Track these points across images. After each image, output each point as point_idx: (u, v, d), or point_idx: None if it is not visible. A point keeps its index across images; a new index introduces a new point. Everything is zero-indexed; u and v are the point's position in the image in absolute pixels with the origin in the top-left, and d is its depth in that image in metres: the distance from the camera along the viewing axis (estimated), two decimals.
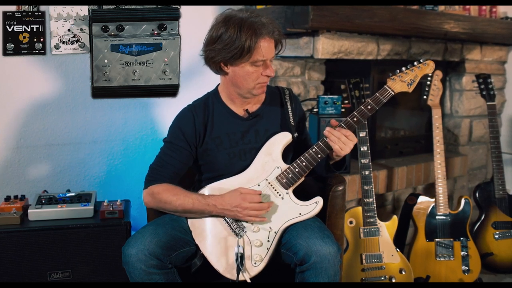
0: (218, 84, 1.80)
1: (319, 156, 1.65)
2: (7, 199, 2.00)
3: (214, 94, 1.78)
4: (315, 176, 1.83)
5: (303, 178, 1.67)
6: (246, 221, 1.63)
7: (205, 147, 1.71)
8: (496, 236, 2.65)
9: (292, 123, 1.76)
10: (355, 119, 1.66)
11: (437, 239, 2.45)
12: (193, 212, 1.63)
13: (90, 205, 1.98)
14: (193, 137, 1.70)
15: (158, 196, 1.65)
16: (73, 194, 2.08)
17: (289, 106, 1.78)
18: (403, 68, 1.73)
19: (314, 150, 1.65)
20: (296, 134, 1.75)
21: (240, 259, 1.57)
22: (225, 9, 1.67)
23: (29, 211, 1.93)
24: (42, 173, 2.27)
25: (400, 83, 1.71)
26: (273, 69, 1.67)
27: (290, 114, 1.77)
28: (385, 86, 1.71)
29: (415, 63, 1.74)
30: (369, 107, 1.67)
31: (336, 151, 1.62)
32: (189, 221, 1.68)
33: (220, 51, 1.59)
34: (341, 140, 1.60)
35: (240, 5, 2.45)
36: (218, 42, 1.59)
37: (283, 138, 1.71)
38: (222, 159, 1.70)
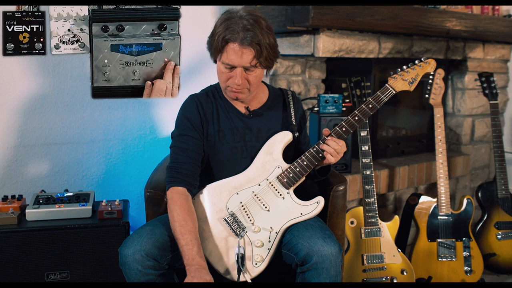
0: None
1: (320, 155, 1.64)
2: (5, 198, 1.99)
3: (216, 88, 1.78)
4: (315, 181, 1.82)
5: (304, 178, 1.66)
6: (250, 218, 1.60)
7: (209, 138, 1.70)
8: (499, 237, 2.64)
9: (294, 123, 1.76)
10: (356, 118, 1.66)
11: (439, 240, 2.44)
12: (178, 245, 1.51)
13: (88, 205, 1.97)
14: (199, 123, 1.69)
15: (172, 205, 1.57)
16: (71, 194, 2.06)
17: (291, 107, 1.78)
18: (404, 67, 1.73)
19: (315, 149, 1.64)
20: (297, 134, 1.74)
21: (241, 259, 1.56)
22: (225, 9, 1.67)
23: (26, 211, 1.92)
24: (40, 172, 2.26)
25: (401, 82, 1.70)
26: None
27: (292, 114, 1.77)
28: (386, 84, 1.71)
29: (416, 61, 1.73)
30: (370, 106, 1.66)
31: (329, 159, 1.64)
32: None
33: (209, 43, 1.63)
34: (335, 149, 1.62)
35: (240, 5, 2.44)
36: (211, 34, 1.63)
37: (284, 138, 1.70)
38: (224, 154, 1.69)
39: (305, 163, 1.64)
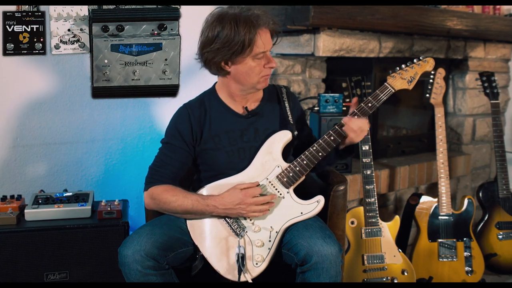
0: (215, 83, 1.78)
1: (320, 154, 1.63)
2: (3, 199, 1.98)
3: (211, 93, 1.77)
4: (319, 172, 1.81)
5: (304, 177, 1.66)
6: (250, 218, 1.60)
7: (203, 145, 1.70)
8: (500, 237, 2.63)
9: (291, 121, 1.75)
10: (355, 116, 1.65)
11: (440, 240, 2.44)
12: (192, 213, 1.61)
13: (88, 205, 1.97)
14: (190, 135, 1.69)
15: (158, 197, 1.63)
16: (70, 194, 2.05)
17: (286, 105, 1.77)
18: (403, 66, 1.73)
19: (315, 148, 1.64)
20: (296, 133, 1.73)
21: (241, 259, 1.55)
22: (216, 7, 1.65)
23: (25, 211, 1.91)
24: (39, 172, 2.25)
25: (400, 81, 1.70)
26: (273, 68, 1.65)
27: (289, 113, 1.76)
28: (385, 83, 1.70)
29: (415, 60, 1.74)
30: (369, 104, 1.66)
31: (352, 139, 1.64)
32: (188, 222, 1.66)
33: (220, 50, 1.57)
34: (357, 128, 1.62)
35: (236, 5, 2.44)
36: (216, 42, 1.57)
37: (283, 137, 1.69)
38: (221, 158, 1.69)
39: (305, 162, 1.63)
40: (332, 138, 1.64)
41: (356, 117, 1.65)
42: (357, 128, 1.63)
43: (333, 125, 1.67)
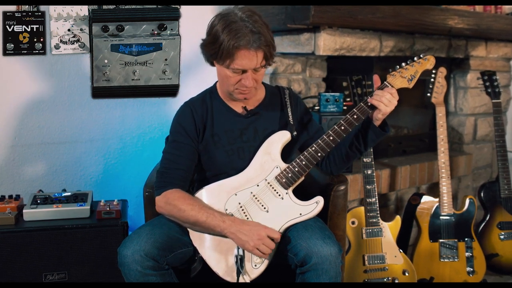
0: (216, 82, 1.77)
1: (319, 154, 1.62)
2: (2, 198, 1.98)
3: (211, 91, 1.76)
4: (327, 170, 1.80)
5: (303, 178, 1.64)
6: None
7: (204, 144, 1.69)
8: (502, 237, 2.62)
9: (292, 122, 1.73)
10: (355, 116, 1.64)
11: (441, 240, 2.43)
12: (202, 226, 1.58)
13: (87, 205, 1.96)
14: (194, 131, 1.68)
15: (173, 202, 1.60)
16: (69, 193, 2.05)
17: (288, 106, 1.76)
18: (403, 64, 1.70)
19: (314, 148, 1.63)
20: (295, 133, 1.72)
21: (240, 261, 1.55)
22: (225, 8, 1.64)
23: (24, 211, 1.91)
24: (38, 172, 2.25)
25: (400, 79, 1.68)
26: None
27: (290, 114, 1.74)
28: (385, 82, 1.68)
29: (415, 58, 1.71)
30: (369, 103, 1.64)
31: (383, 109, 1.60)
32: None
33: (207, 46, 1.59)
34: (386, 98, 1.59)
35: (235, 5, 2.43)
36: (208, 36, 1.59)
37: (282, 137, 1.68)
38: (220, 157, 1.68)
39: (303, 162, 1.62)
40: (331, 138, 1.63)
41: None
42: (384, 99, 1.60)
43: (333, 125, 1.65)
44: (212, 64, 1.65)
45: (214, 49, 1.55)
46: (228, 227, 1.54)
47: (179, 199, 1.59)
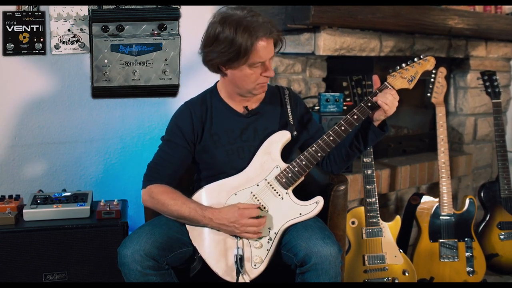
0: (217, 81, 1.77)
1: (319, 155, 1.62)
2: (2, 199, 1.98)
3: (212, 91, 1.76)
4: (330, 168, 1.80)
5: (303, 178, 1.64)
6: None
7: (203, 144, 1.69)
8: (502, 237, 2.62)
9: (292, 122, 1.73)
10: (355, 116, 1.64)
11: (441, 240, 2.43)
12: (187, 220, 1.61)
13: (87, 205, 1.96)
14: (191, 133, 1.68)
15: (157, 196, 1.63)
16: (69, 193, 2.05)
17: (288, 105, 1.76)
18: (403, 65, 1.70)
19: (314, 148, 1.63)
20: (295, 133, 1.72)
21: (240, 261, 1.55)
22: (221, 7, 1.63)
23: (24, 211, 1.90)
24: (38, 172, 2.25)
25: (400, 80, 1.68)
26: (273, 67, 1.64)
27: (290, 114, 1.74)
28: (385, 82, 1.69)
29: (416, 59, 1.71)
30: (369, 104, 1.65)
31: (387, 110, 1.61)
32: None
33: (217, 54, 1.57)
34: (389, 100, 1.60)
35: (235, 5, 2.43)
36: (215, 44, 1.57)
37: (282, 137, 1.68)
38: (220, 157, 1.68)
39: (303, 162, 1.62)
40: (331, 138, 1.63)
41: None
42: (388, 101, 1.60)
43: (333, 125, 1.65)
44: (220, 72, 1.64)
45: (232, 52, 1.54)
46: (209, 223, 1.58)
47: (163, 193, 1.62)
